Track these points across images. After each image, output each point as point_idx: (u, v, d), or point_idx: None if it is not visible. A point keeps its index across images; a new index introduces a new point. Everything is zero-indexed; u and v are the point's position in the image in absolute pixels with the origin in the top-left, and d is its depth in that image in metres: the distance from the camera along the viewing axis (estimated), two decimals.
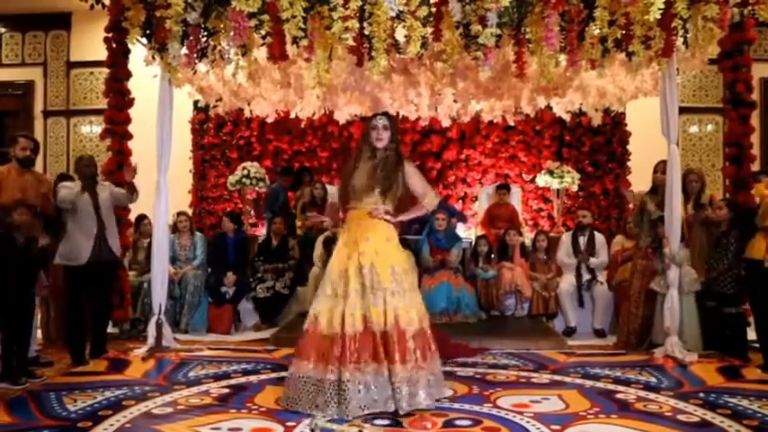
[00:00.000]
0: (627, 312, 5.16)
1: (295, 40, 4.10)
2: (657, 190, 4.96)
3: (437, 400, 3.41)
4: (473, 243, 6.59)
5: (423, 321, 3.46)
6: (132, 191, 4.78)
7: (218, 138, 8.27)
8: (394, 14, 3.97)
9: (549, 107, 6.43)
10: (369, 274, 3.39)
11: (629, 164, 7.99)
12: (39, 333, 5.06)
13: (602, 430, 3.10)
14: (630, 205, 7.25)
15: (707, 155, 8.26)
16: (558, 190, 7.84)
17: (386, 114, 3.71)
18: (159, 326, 4.88)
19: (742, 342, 4.68)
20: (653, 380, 4.02)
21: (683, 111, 6.55)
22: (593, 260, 5.98)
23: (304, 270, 6.29)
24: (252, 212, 8.09)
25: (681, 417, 3.26)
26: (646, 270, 5.00)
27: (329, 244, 6.14)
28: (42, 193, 4.58)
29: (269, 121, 6.66)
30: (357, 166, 3.63)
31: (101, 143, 7.22)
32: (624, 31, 4.10)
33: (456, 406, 3.43)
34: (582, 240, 6.07)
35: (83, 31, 8.27)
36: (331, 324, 3.37)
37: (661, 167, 4.93)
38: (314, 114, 6.47)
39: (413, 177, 3.65)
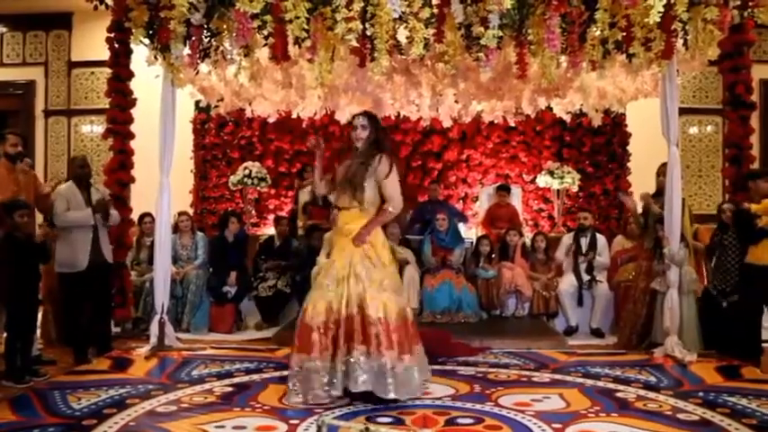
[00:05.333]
0: (631, 313, 5.18)
1: (297, 41, 4.12)
2: (662, 192, 4.95)
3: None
4: (474, 243, 6.62)
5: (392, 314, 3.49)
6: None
7: (220, 138, 8.28)
8: (396, 16, 3.99)
9: (549, 108, 6.45)
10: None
11: (629, 165, 8.01)
12: (38, 333, 5.07)
13: (602, 429, 3.12)
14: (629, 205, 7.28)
15: (706, 156, 8.28)
16: (558, 190, 7.86)
17: (365, 113, 3.79)
18: (162, 325, 4.89)
19: (753, 341, 4.62)
20: (653, 379, 4.04)
21: (682, 112, 6.56)
22: (599, 259, 6.01)
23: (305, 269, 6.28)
24: (253, 212, 8.11)
25: (680, 415, 3.29)
26: (651, 271, 5.02)
27: None
28: (34, 188, 4.58)
29: (270, 121, 6.68)
30: (342, 165, 3.74)
31: (102, 143, 7.24)
32: (625, 33, 4.12)
33: (458, 404, 3.46)
34: (584, 242, 6.10)
35: (84, 31, 8.28)
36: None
37: (663, 170, 4.94)
38: (315, 114, 6.50)
39: (386, 178, 3.59)
